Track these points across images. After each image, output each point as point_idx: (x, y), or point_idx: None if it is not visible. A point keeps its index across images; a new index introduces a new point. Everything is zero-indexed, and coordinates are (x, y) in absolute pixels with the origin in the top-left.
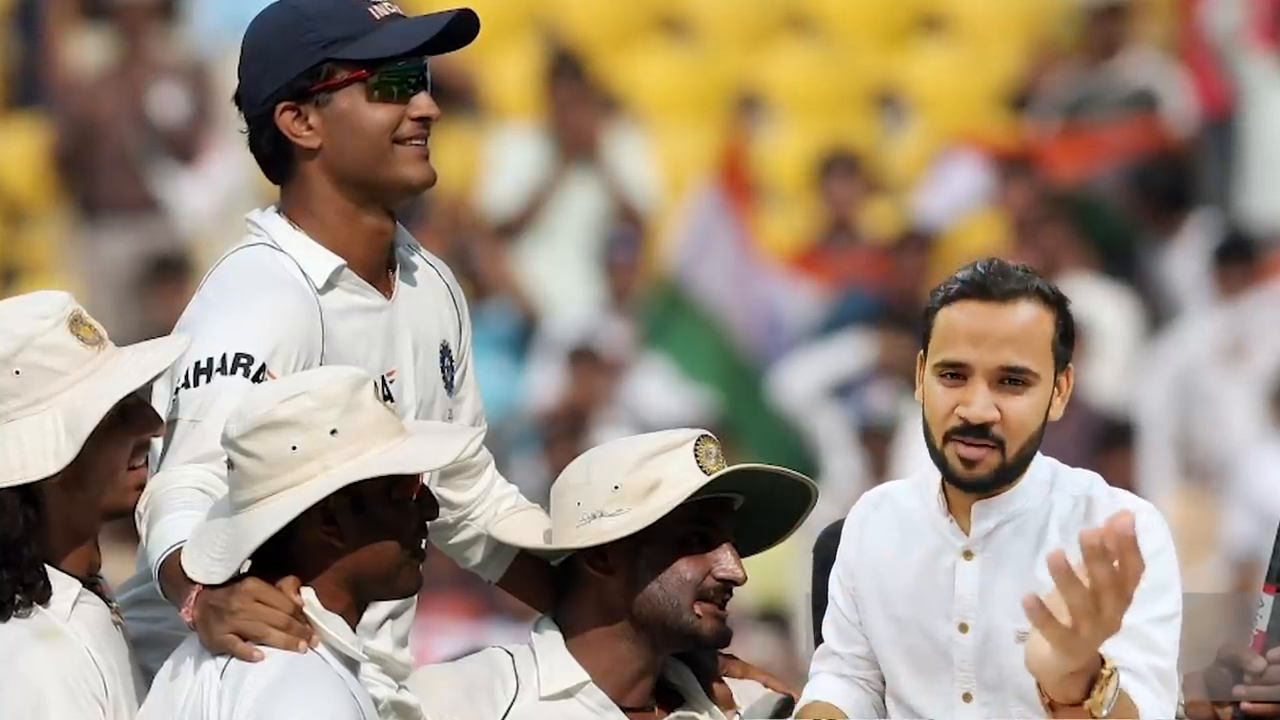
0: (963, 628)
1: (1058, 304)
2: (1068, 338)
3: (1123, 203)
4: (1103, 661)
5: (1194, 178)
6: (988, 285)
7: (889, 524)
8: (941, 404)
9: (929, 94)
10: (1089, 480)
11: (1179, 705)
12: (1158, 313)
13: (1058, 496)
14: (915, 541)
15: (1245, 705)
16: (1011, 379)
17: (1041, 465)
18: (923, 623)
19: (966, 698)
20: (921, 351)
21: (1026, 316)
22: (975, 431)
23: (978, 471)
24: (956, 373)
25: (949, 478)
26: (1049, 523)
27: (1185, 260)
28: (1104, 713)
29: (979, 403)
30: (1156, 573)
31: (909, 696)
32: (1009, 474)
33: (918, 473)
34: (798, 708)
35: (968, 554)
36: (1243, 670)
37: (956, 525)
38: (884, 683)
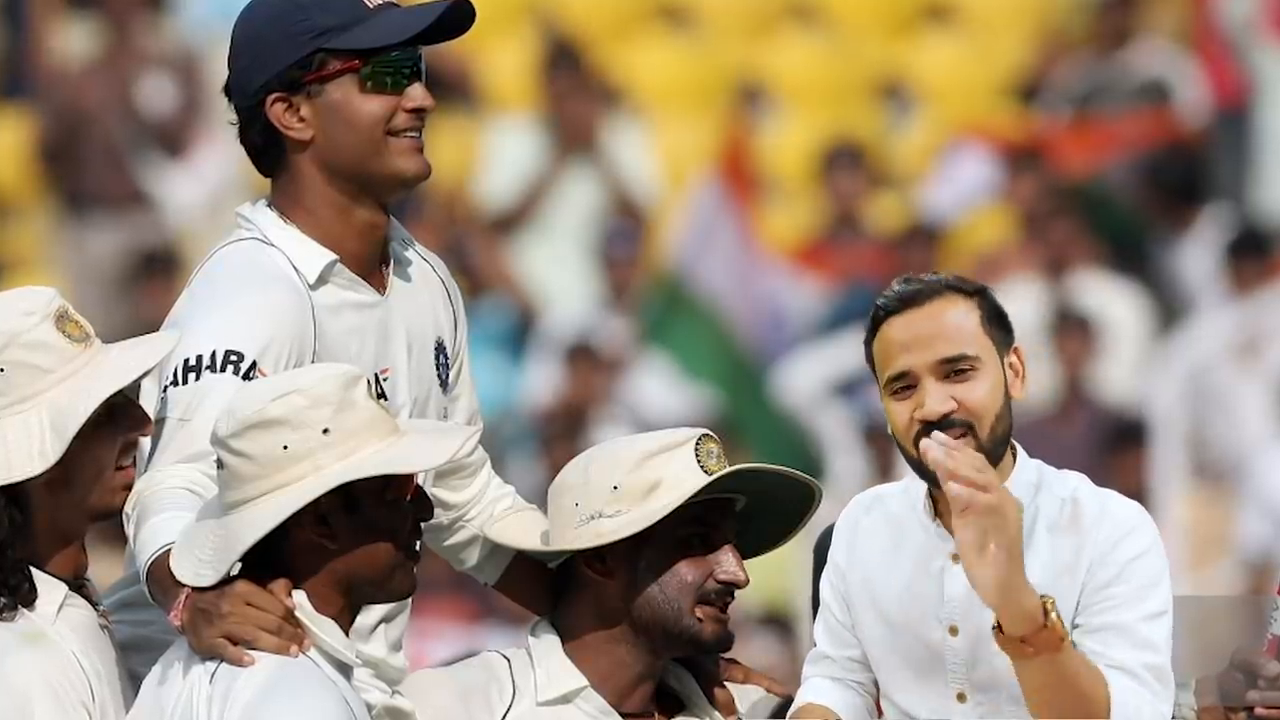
0: (953, 630)
1: (976, 293)
2: (998, 320)
3: (1133, 196)
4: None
5: (1206, 170)
6: (902, 297)
7: (880, 528)
8: (902, 417)
9: (936, 85)
10: (1075, 481)
11: (1192, 710)
12: (1169, 309)
13: (1044, 499)
14: (905, 545)
15: (1259, 710)
16: (955, 370)
17: (1028, 467)
18: (914, 626)
19: (960, 698)
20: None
21: (947, 310)
22: (938, 427)
23: None
24: (904, 384)
25: (934, 483)
26: (1036, 525)
27: (1197, 255)
28: (1066, 632)
29: (931, 399)
30: (1144, 571)
31: (903, 698)
32: (989, 457)
33: (909, 476)
34: (792, 710)
35: (956, 557)
36: (1256, 675)
37: (944, 528)
38: (877, 686)
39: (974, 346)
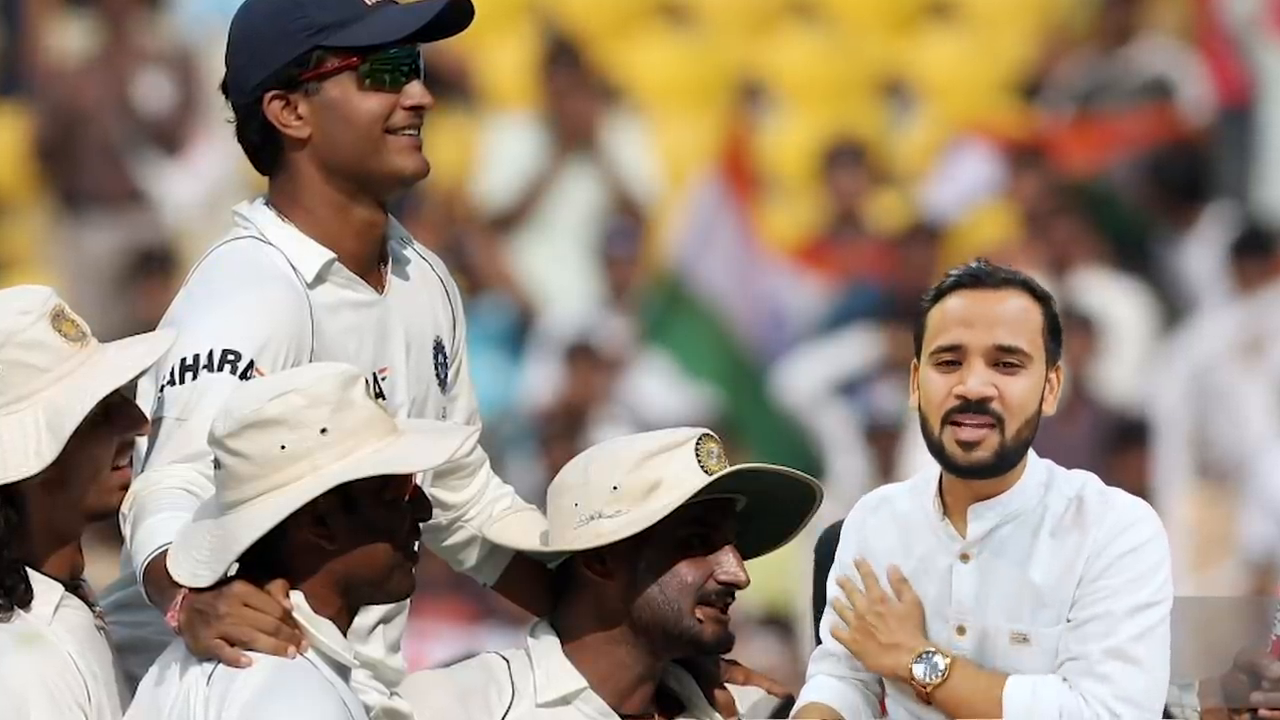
0: (960, 630)
1: (1045, 299)
2: (1056, 333)
3: (1137, 194)
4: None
5: (1210, 168)
6: (979, 275)
7: (887, 527)
8: (939, 390)
9: (938, 82)
10: (1082, 480)
11: (1195, 711)
12: (1173, 308)
13: (1053, 498)
14: (913, 545)
15: (1263, 712)
16: (1006, 361)
17: (1038, 466)
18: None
19: None
20: (915, 360)
21: (1017, 303)
22: (975, 408)
23: (978, 454)
24: (953, 358)
25: (947, 466)
26: (1043, 524)
27: (1201, 253)
28: (926, 683)
29: (977, 378)
30: (1138, 563)
31: (909, 697)
32: (1008, 457)
33: (916, 475)
34: (795, 709)
35: (964, 556)
36: (1260, 676)
37: (953, 528)
38: (881, 685)
39: (1030, 345)
